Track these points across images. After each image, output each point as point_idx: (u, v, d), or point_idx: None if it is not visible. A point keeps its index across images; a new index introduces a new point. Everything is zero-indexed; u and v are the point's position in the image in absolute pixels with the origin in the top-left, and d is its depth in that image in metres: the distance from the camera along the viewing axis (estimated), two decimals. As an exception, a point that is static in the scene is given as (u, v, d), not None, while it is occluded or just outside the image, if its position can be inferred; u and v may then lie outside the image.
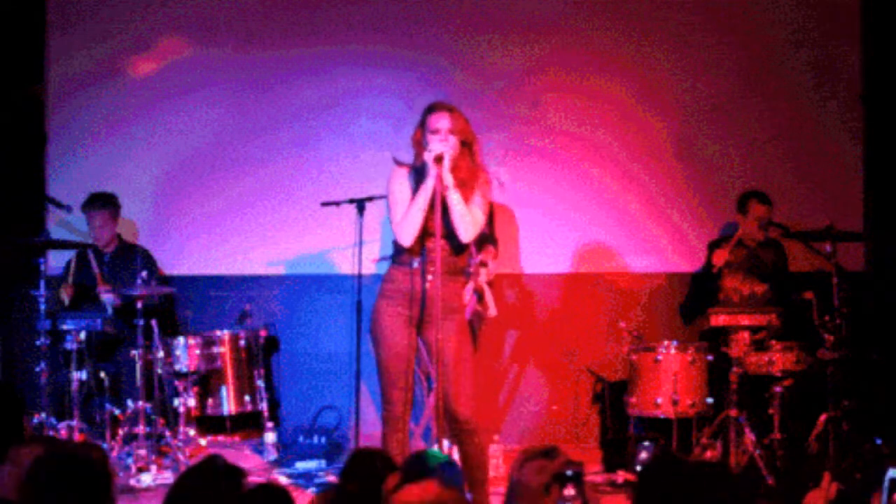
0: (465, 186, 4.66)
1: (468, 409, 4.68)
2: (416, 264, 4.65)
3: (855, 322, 5.78)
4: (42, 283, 5.77)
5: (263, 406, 6.43)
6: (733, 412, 5.58)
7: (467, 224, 4.64)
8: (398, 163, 4.81)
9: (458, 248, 4.70)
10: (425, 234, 4.63)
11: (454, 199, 4.60)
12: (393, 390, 4.70)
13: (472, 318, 5.73)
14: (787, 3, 6.97)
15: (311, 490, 5.50)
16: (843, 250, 5.88)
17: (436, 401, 4.60)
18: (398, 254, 4.76)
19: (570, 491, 2.55)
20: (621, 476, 5.74)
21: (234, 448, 6.42)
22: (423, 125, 4.71)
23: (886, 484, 2.70)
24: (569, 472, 2.58)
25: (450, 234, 4.63)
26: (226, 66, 6.97)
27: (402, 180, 4.75)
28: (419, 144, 4.70)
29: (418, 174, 4.67)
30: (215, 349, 6.42)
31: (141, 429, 5.75)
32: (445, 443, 4.74)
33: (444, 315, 4.56)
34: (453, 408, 4.65)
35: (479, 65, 6.89)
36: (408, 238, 4.64)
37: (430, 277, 4.62)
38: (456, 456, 4.71)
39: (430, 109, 4.71)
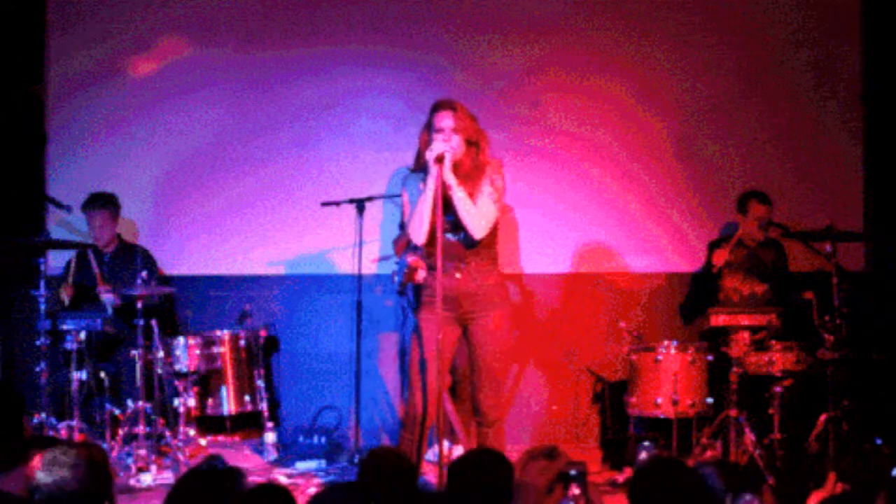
0: (471, 182, 4.67)
1: (490, 401, 4.76)
2: (441, 266, 4.65)
3: (855, 322, 5.78)
4: (42, 283, 5.77)
5: (263, 406, 6.43)
6: (733, 412, 5.58)
7: (475, 220, 4.66)
8: (411, 169, 4.86)
9: (472, 241, 4.73)
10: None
11: (459, 196, 4.61)
12: (415, 392, 4.74)
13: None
14: (787, 3, 6.97)
15: (311, 490, 5.49)
16: (843, 250, 5.88)
17: (437, 401, 4.60)
18: (427, 258, 4.79)
19: (574, 491, 2.55)
20: (622, 476, 5.73)
21: (234, 448, 6.42)
22: (428, 124, 4.74)
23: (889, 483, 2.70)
24: (573, 472, 2.58)
25: (463, 228, 4.68)
26: (226, 66, 6.97)
27: (411, 184, 4.79)
28: (426, 145, 4.72)
29: (426, 174, 4.69)
30: (215, 349, 6.42)
31: (141, 429, 5.75)
32: (446, 443, 4.75)
33: (483, 307, 4.72)
34: (476, 398, 4.76)
35: (479, 65, 6.89)
36: (419, 237, 4.70)
37: (458, 275, 4.65)
38: (457, 453, 4.73)
39: (435, 108, 4.75)
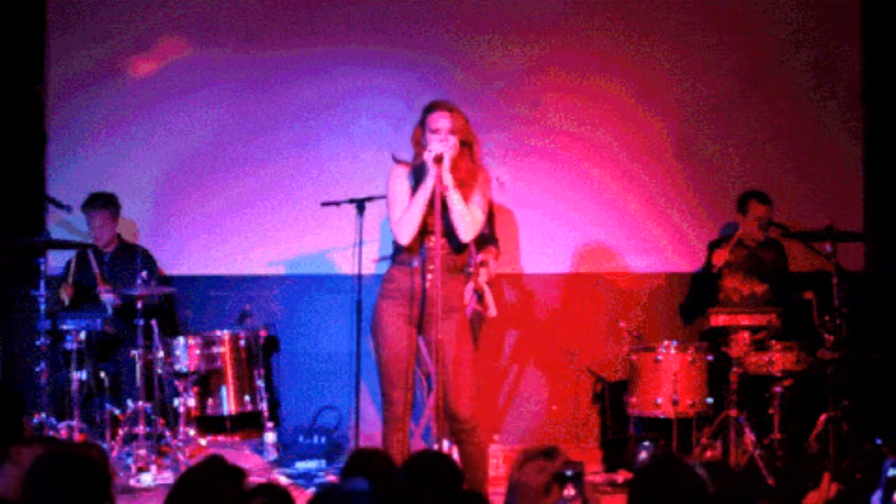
0: (465, 186, 4.66)
1: (468, 408, 4.67)
2: (415, 263, 4.65)
3: (855, 322, 5.78)
4: (42, 283, 5.77)
5: (263, 406, 6.43)
6: (733, 412, 5.58)
7: (467, 224, 4.63)
8: (398, 161, 4.80)
9: (458, 246, 4.70)
10: (425, 232, 4.62)
11: (454, 199, 4.59)
12: (393, 390, 4.69)
13: (472, 318, 5.73)
14: (787, 3, 6.97)
15: (312, 490, 5.49)
16: (843, 250, 5.88)
17: (436, 401, 4.59)
18: (398, 253, 4.75)
19: (570, 491, 2.55)
20: (622, 476, 5.74)
21: (234, 448, 6.41)
22: (422, 124, 4.70)
23: (884, 482, 2.70)
24: (569, 472, 2.58)
25: (450, 233, 4.63)
26: (226, 66, 6.97)
27: (401, 179, 4.74)
28: (419, 144, 4.70)
29: (418, 173, 4.66)
30: (215, 349, 6.42)
31: (141, 429, 5.75)
32: (445, 443, 4.74)
33: (445, 314, 4.56)
34: (453, 407, 4.65)
35: (479, 65, 6.89)
36: (406, 237, 4.63)
37: (429, 276, 4.61)
38: (456, 456, 4.71)
39: (430, 108, 4.70)
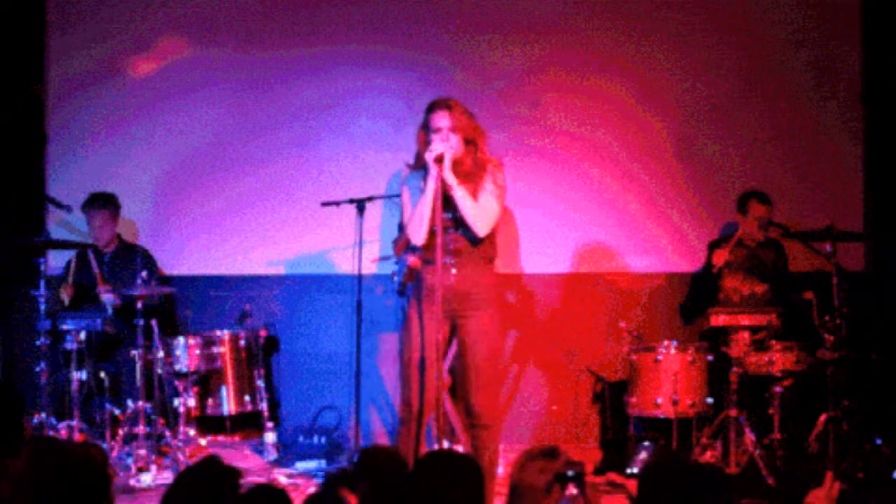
0: (472, 180, 4.67)
1: (483, 402, 4.71)
2: (436, 261, 4.64)
3: (855, 322, 5.78)
4: (42, 283, 5.78)
5: (263, 406, 6.43)
6: (733, 412, 5.59)
7: (477, 217, 4.65)
8: (409, 164, 4.85)
9: (474, 239, 4.71)
10: (443, 230, 4.64)
11: (459, 195, 4.61)
12: (407, 389, 4.72)
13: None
14: (787, 3, 6.97)
15: (311, 490, 5.49)
16: (843, 250, 5.88)
17: (436, 400, 4.60)
18: (423, 251, 4.78)
19: (571, 491, 2.56)
20: (611, 478, 5.74)
21: (234, 448, 6.42)
22: (425, 124, 4.73)
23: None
24: (570, 472, 2.59)
25: (466, 225, 4.66)
26: (226, 66, 6.97)
27: (411, 182, 4.78)
28: (424, 144, 4.72)
29: (426, 174, 4.68)
30: (215, 349, 6.42)
31: (141, 429, 5.75)
32: (446, 442, 4.74)
33: (476, 308, 4.66)
34: (469, 400, 4.70)
35: (479, 65, 6.89)
36: (417, 237, 4.69)
37: (454, 271, 4.64)
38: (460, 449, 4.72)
39: (431, 108, 4.73)
